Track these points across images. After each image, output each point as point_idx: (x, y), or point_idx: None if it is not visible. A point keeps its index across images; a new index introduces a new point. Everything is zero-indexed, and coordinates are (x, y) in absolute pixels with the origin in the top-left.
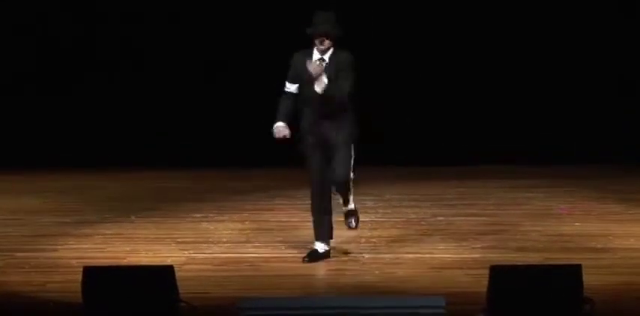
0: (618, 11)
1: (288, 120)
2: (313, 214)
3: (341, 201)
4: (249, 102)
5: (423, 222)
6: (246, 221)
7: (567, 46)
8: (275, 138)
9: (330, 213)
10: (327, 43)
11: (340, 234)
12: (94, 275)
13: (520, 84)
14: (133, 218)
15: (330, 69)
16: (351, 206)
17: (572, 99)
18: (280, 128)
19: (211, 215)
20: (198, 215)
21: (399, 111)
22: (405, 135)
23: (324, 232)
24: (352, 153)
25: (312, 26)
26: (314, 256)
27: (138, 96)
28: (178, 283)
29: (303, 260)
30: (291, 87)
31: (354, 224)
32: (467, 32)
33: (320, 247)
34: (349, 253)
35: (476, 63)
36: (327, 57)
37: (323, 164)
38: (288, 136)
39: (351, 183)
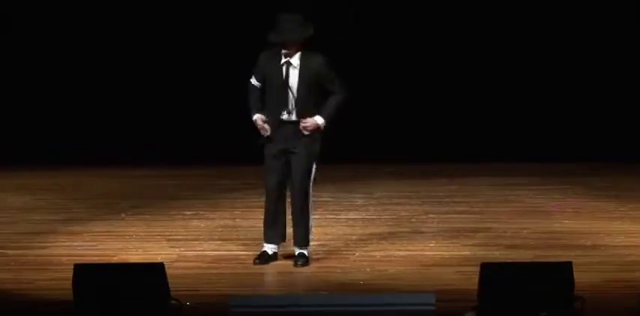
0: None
1: (261, 112)
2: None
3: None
4: (239, 99)
5: (413, 220)
6: (237, 218)
7: (557, 42)
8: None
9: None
10: (293, 49)
11: (330, 231)
12: (85, 272)
13: (511, 82)
14: (123, 215)
15: (302, 73)
16: (306, 250)
17: (562, 97)
18: (263, 125)
19: (202, 212)
20: (189, 212)
21: (390, 109)
22: (395, 133)
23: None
24: (314, 166)
25: (276, 32)
26: (264, 259)
27: (128, 94)
28: (169, 280)
29: (254, 262)
30: (256, 83)
31: (300, 263)
32: (461, 30)
33: (270, 248)
34: (340, 251)
35: (467, 61)
36: (294, 60)
37: (281, 173)
38: (269, 133)
39: (311, 201)
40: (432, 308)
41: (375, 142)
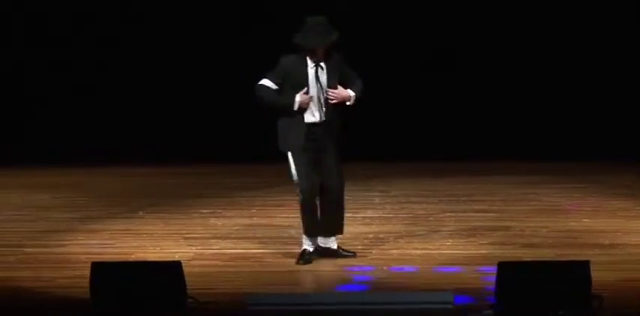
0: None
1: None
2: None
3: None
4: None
5: (430, 218)
6: (254, 217)
7: (573, 41)
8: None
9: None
10: (321, 53)
11: (347, 230)
12: (102, 270)
13: (529, 80)
14: (141, 213)
15: (330, 74)
16: (336, 243)
17: (580, 95)
18: (303, 97)
19: (219, 211)
20: (206, 211)
21: (408, 108)
22: (412, 131)
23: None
24: None
25: (309, 38)
26: (308, 257)
27: (146, 92)
28: (186, 278)
29: (298, 262)
30: (271, 85)
31: (352, 253)
32: (475, 26)
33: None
34: (357, 249)
35: (483, 59)
36: (322, 63)
37: (315, 174)
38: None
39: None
40: (450, 306)
41: (393, 140)
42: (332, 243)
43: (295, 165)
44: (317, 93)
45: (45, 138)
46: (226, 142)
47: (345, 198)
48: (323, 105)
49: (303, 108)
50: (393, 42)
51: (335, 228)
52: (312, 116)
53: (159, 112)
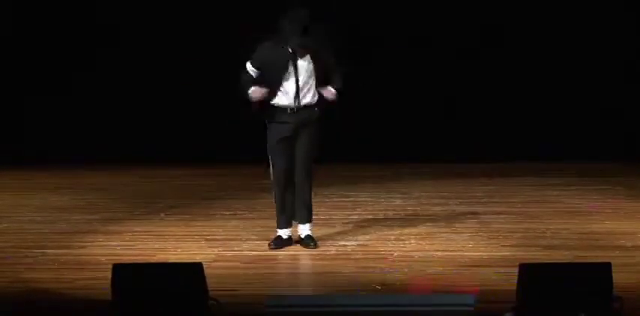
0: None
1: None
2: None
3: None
4: None
5: (452, 220)
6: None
7: (592, 41)
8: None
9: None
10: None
11: (368, 231)
12: (123, 272)
13: (547, 81)
14: (162, 215)
15: (307, 59)
16: (310, 230)
17: (600, 96)
18: (256, 88)
19: (240, 212)
20: (228, 212)
21: (428, 110)
22: (431, 133)
23: (286, 219)
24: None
25: (299, 36)
26: (279, 243)
27: (165, 93)
28: (207, 280)
29: (269, 246)
30: (253, 71)
31: (313, 245)
32: (495, 27)
33: (284, 233)
34: (378, 251)
35: (498, 58)
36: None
37: (290, 157)
38: (266, 94)
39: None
40: (471, 308)
41: (413, 142)
42: (303, 231)
43: (270, 152)
44: (297, 79)
45: (66, 140)
46: (248, 144)
47: (367, 199)
48: (300, 92)
49: (284, 91)
50: (414, 43)
51: (299, 215)
52: (289, 101)
53: (179, 114)
